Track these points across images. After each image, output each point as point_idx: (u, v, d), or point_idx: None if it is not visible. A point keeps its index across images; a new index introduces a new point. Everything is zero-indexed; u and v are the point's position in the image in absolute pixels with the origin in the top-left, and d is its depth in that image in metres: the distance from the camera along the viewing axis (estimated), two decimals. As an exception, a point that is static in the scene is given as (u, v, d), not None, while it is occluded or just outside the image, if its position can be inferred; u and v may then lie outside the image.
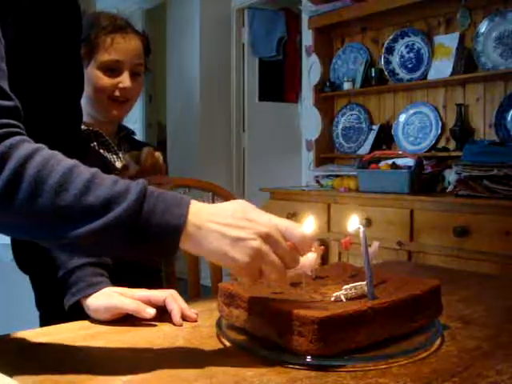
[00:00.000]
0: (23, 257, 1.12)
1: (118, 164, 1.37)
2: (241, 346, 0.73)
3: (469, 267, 2.10)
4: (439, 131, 2.96)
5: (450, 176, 2.66)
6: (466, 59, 2.77)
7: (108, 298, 0.88)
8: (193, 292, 1.45)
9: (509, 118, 2.67)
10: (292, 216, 2.91)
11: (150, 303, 0.88)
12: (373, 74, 3.21)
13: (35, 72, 0.87)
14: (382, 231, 2.56)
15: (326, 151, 3.53)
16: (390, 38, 3.14)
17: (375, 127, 3.27)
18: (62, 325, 0.85)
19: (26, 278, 1.16)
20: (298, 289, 0.80)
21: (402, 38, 3.10)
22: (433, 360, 0.69)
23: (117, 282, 0.94)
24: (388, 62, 3.16)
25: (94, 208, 0.62)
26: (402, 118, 3.13)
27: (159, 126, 5.22)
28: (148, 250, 0.65)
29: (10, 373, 0.62)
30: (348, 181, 2.99)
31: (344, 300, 0.74)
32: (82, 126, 1.24)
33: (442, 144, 2.97)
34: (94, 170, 0.65)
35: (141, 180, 0.65)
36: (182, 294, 0.92)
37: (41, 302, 1.18)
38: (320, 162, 3.48)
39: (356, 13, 3.13)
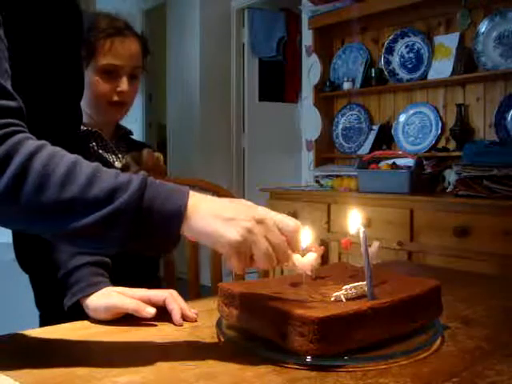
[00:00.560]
0: (25, 256, 1.12)
1: (117, 164, 1.37)
2: (241, 346, 0.73)
3: (469, 267, 2.10)
4: (439, 131, 2.96)
5: (450, 176, 2.66)
6: (466, 59, 2.77)
7: (108, 297, 0.88)
8: (193, 292, 1.45)
9: (509, 118, 2.67)
10: (292, 216, 2.91)
11: (150, 303, 0.87)
12: (373, 74, 3.21)
13: (36, 75, 0.87)
14: (382, 231, 2.56)
15: (326, 151, 3.53)
16: (390, 38, 3.14)
17: (375, 127, 3.27)
18: (62, 325, 0.85)
19: (26, 277, 1.16)
20: (298, 289, 0.80)
21: (402, 38, 3.10)
22: (433, 360, 0.69)
23: (116, 281, 0.94)
24: (388, 62, 3.16)
25: (99, 198, 0.64)
26: (402, 118, 3.13)
27: (159, 126, 5.22)
28: (151, 236, 0.66)
29: (10, 373, 0.62)
30: (348, 181, 2.99)
31: (344, 300, 0.74)
32: (81, 127, 1.24)
33: (441, 144, 2.97)
34: (96, 164, 0.68)
35: (141, 172, 0.69)
36: (182, 294, 0.92)
37: (41, 302, 1.18)
38: (320, 162, 3.48)
39: (356, 13, 3.12)
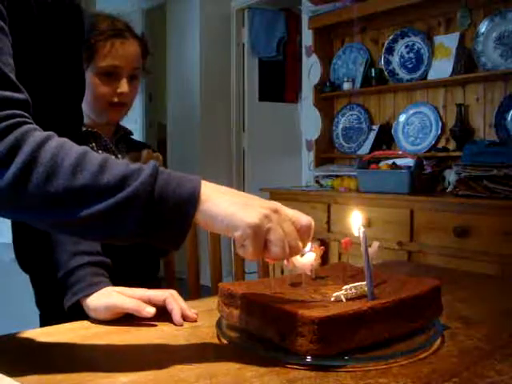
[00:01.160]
0: (25, 256, 1.12)
1: (118, 164, 1.36)
2: (241, 346, 0.73)
3: (469, 267, 2.10)
4: (439, 131, 2.96)
5: (450, 176, 2.66)
6: (466, 59, 2.77)
7: (108, 297, 0.88)
8: (193, 292, 1.45)
9: (509, 118, 2.67)
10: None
11: (149, 303, 0.87)
12: (373, 74, 3.21)
13: (38, 75, 0.87)
14: (381, 231, 2.56)
15: (326, 151, 3.53)
16: (390, 38, 3.14)
17: (375, 127, 3.27)
18: (62, 325, 0.85)
19: (26, 277, 1.16)
20: (298, 289, 0.80)
21: (402, 38, 3.10)
22: (433, 360, 0.69)
23: (117, 282, 0.94)
24: (388, 62, 3.16)
25: (112, 185, 0.64)
26: (402, 118, 3.13)
27: (159, 126, 5.21)
28: (164, 225, 0.65)
29: (10, 373, 0.62)
30: (348, 181, 2.99)
31: (344, 300, 0.74)
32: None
33: (441, 144, 2.97)
34: (105, 154, 0.68)
35: (151, 161, 0.68)
36: (182, 294, 0.92)
37: (41, 302, 1.18)
38: (320, 162, 3.48)
39: (356, 13, 3.12)
